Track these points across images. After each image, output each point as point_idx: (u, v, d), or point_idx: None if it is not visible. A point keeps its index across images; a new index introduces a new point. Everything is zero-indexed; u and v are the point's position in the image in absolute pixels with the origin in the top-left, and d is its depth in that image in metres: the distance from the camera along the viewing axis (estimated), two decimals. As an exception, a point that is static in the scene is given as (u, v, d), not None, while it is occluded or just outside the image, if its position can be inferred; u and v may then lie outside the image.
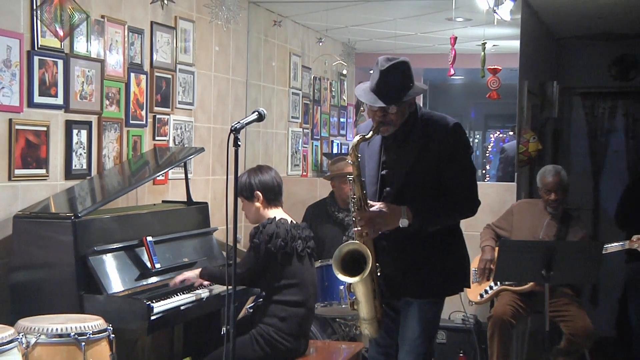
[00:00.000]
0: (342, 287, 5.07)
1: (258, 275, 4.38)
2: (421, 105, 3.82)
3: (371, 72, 3.66)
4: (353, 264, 3.55)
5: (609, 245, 5.10)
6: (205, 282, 4.56)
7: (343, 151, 8.69)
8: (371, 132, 3.61)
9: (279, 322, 4.31)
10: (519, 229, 5.55)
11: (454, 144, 3.64)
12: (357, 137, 3.60)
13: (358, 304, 3.67)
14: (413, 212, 3.54)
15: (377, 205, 3.57)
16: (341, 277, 3.55)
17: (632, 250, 5.22)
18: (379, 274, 3.65)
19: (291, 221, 4.47)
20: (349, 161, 3.61)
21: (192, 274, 4.53)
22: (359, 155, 3.62)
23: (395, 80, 3.55)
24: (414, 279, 3.66)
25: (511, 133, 8.38)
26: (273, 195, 4.48)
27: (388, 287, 3.70)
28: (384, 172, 3.70)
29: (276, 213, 4.45)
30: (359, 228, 3.57)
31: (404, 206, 3.54)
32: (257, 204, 4.46)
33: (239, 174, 3.88)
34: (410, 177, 3.62)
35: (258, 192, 4.44)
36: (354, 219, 3.60)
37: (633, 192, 7.19)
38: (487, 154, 10.30)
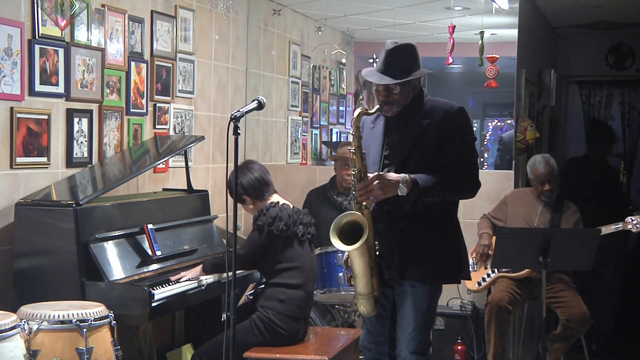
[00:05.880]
0: (341, 273, 5.12)
1: (259, 257, 4.43)
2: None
3: (376, 58, 3.73)
4: (351, 236, 3.57)
5: (604, 227, 5.14)
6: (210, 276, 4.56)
7: (342, 139, 8.73)
8: (375, 108, 3.66)
9: (279, 305, 4.36)
10: (513, 218, 5.58)
11: (456, 127, 3.67)
12: (359, 109, 3.66)
13: (355, 278, 3.69)
14: (412, 180, 3.55)
15: (375, 174, 3.60)
16: (338, 244, 3.58)
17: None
18: (377, 252, 3.69)
19: (293, 206, 4.53)
20: (351, 132, 3.66)
21: (193, 273, 4.52)
22: (361, 126, 3.67)
23: (400, 59, 3.64)
24: (411, 262, 3.68)
25: (509, 121, 8.41)
26: (260, 192, 4.53)
27: (385, 270, 3.73)
28: (386, 152, 3.74)
29: (275, 199, 4.51)
30: (358, 197, 3.60)
31: (404, 174, 3.56)
32: (251, 206, 4.55)
33: (240, 160, 3.91)
34: (411, 157, 3.66)
35: (245, 197, 4.51)
36: (353, 191, 3.63)
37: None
38: (485, 142, 10.32)
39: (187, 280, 4.47)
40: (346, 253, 3.69)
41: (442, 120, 3.67)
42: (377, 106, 3.68)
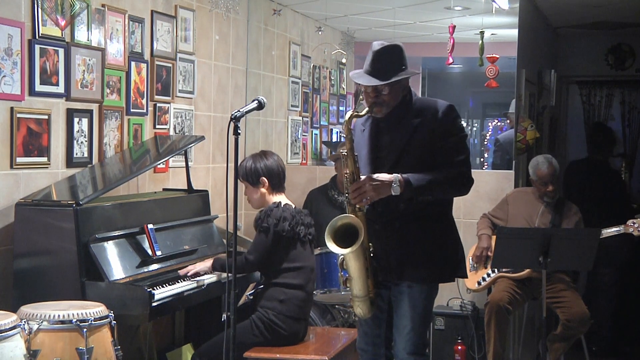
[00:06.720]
0: (341, 273, 5.11)
1: (268, 259, 4.43)
2: (419, 93, 3.86)
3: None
4: (346, 239, 3.57)
5: (605, 230, 5.13)
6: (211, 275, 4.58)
7: (342, 139, 8.72)
8: (365, 110, 3.66)
9: (279, 305, 4.36)
10: (514, 217, 5.57)
11: (447, 124, 3.67)
12: (350, 112, 3.66)
13: (350, 280, 3.68)
14: (404, 180, 3.55)
15: (367, 176, 3.60)
16: (333, 247, 3.57)
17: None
18: (372, 254, 3.68)
19: (295, 207, 4.53)
20: (343, 134, 3.66)
21: (203, 266, 4.55)
22: (352, 129, 3.67)
23: (387, 60, 3.63)
24: (408, 263, 3.68)
25: (508, 121, 8.44)
26: (278, 181, 4.54)
27: (380, 271, 3.73)
28: (377, 154, 3.74)
29: (280, 199, 4.51)
30: (351, 199, 3.60)
31: (396, 174, 3.56)
32: (263, 190, 4.51)
33: (240, 159, 3.90)
34: (403, 157, 3.66)
35: (264, 178, 4.49)
36: (346, 194, 3.64)
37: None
38: (485, 142, 10.32)
39: (195, 273, 4.49)
40: (341, 256, 3.69)
41: (432, 118, 3.67)
42: (367, 108, 3.68)
